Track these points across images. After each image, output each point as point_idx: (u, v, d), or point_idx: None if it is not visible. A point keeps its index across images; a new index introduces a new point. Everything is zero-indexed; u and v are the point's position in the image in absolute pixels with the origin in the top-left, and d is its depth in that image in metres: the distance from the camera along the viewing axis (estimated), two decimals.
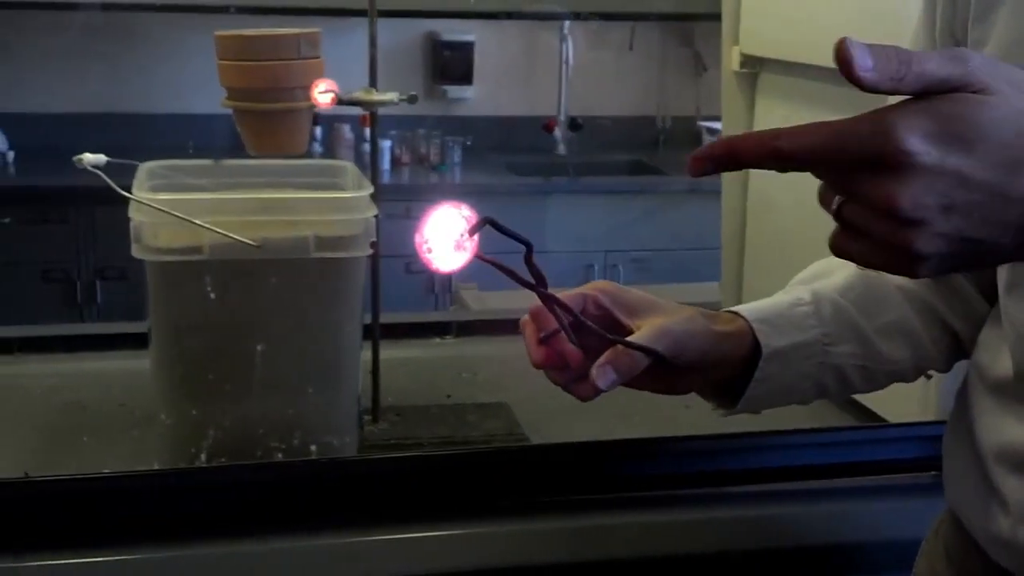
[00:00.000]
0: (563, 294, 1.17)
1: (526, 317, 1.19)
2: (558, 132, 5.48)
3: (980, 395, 1.18)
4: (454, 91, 5.41)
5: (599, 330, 1.16)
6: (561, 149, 5.51)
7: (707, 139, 5.28)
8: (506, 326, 2.39)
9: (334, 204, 1.78)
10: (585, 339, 1.17)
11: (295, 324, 1.74)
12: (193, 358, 1.72)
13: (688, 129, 5.60)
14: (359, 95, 1.84)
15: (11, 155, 4.95)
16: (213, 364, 1.72)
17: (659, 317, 1.19)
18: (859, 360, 1.27)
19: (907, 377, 1.33)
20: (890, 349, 1.28)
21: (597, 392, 1.17)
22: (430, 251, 1.05)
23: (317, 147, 5.01)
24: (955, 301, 1.30)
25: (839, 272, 1.31)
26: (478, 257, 1.05)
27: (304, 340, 1.75)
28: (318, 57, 1.87)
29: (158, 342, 1.74)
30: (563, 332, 1.16)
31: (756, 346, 1.23)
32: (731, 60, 2.45)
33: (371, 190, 1.77)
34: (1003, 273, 1.13)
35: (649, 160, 5.55)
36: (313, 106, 1.83)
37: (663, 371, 1.18)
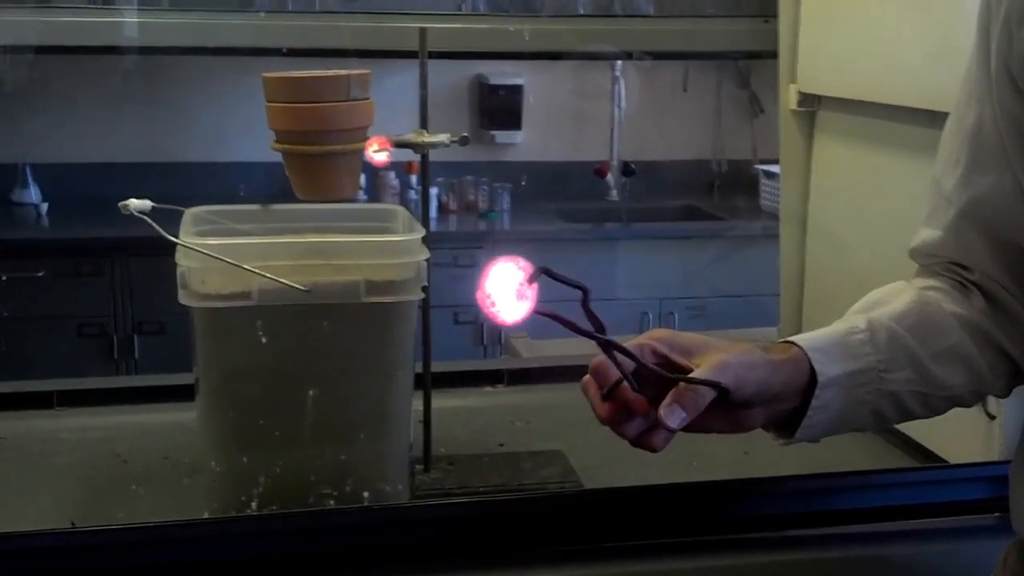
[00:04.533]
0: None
1: (588, 377, 1.24)
2: (611, 177, 5.54)
3: None
4: (503, 136, 5.49)
5: (660, 371, 1.21)
6: (614, 195, 5.57)
7: (764, 182, 5.32)
8: (559, 373, 2.44)
9: (385, 247, 1.83)
10: (647, 388, 1.22)
11: (346, 369, 1.79)
12: (243, 404, 1.78)
13: (745, 172, 5.65)
14: (410, 137, 1.89)
15: (44, 207, 5.04)
16: (264, 410, 1.77)
17: (716, 353, 1.24)
18: (915, 386, 1.32)
19: (965, 402, 1.38)
20: (946, 374, 1.33)
21: (668, 438, 1.23)
22: (494, 305, 1.11)
23: (362, 195, 5.07)
24: (1012, 328, 1.35)
25: (895, 300, 1.36)
26: (537, 312, 1.11)
27: (355, 386, 1.80)
28: (368, 98, 1.92)
29: (207, 389, 1.80)
30: (625, 382, 1.21)
31: (812, 375, 1.27)
32: (788, 98, 2.50)
33: (423, 233, 1.83)
34: None
35: (705, 205, 5.60)
36: (363, 148, 1.89)
37: (726, 407, 1.23)
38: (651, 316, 4.98)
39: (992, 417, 1.83)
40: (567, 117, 5.58)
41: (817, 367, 1.27)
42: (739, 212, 5.39)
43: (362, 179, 5.03)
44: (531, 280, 1.12)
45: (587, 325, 1.16)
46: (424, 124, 1.94)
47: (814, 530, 1.69)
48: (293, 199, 2.00)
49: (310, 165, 1.91)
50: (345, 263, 1.77)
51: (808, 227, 2.54)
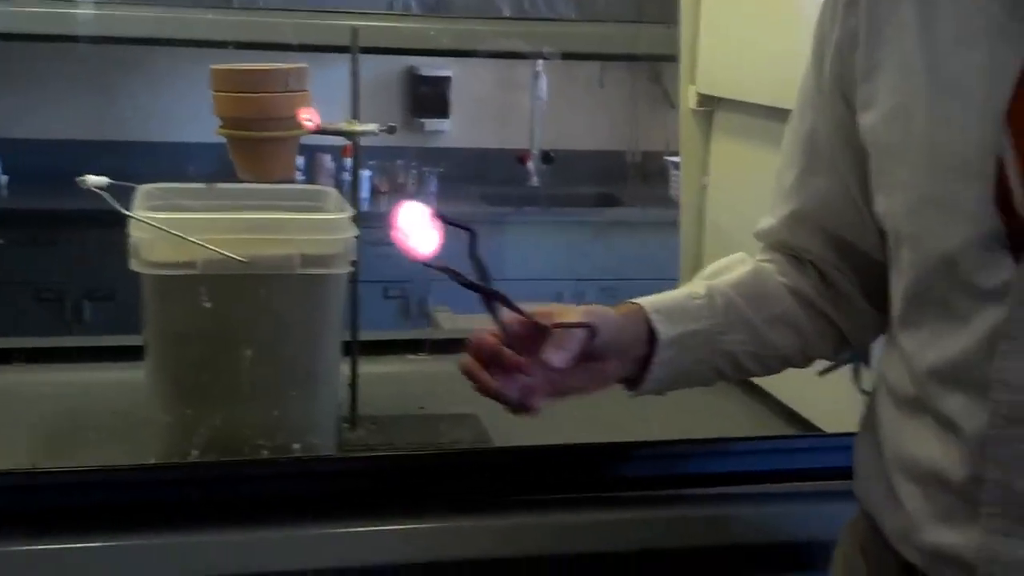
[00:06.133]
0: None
1: (467, 360, 1.30)
2: (531, 164, 5.54)
3: (885, 406, 1.29)
4: (431, 124, 5.53)
5: (537, 319, 1.28)
6: (534, 181, 5.56)
7: (672, 173, 5.36)
8: None
9: (318, 224, 1.91)
10: (519, 350, 1.28)
11: (280, 334, 1.87)
12: (187, 363, 1.85)
13: (657, 163, 5.65)
14: (342, 125, 1.96)
15: (4, 179, 5.01)
16: (205, 369, 1.84)
17: (572, 311, 1.32)
18: (749, 347, 1.40)
19: (796, 362, 1.45)
20: (777, 337, 1.40)
21: (542, 397, 1.30)
22: (408, 239, 1.17)
23: (300, 176, 5.05)
24: (841, 304, 1.41)
25: (734, 270, 1.43)
26: (429, 265, 1.18)
27: (288, 349, 1.88)
28: (305, 90, 1.99)
29: (155, 349, 1.86)
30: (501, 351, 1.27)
31: (652, 333, 1.35)
32: (688, 98, 2.56)
33: (352, 212, 1.90)
34: (896, 304, 1.24)
35: (619, 193, 5.64)
36: (299, 135, 1.95)
37: (586, 362, 1.30)
38: (565, 296, 5.02)
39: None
40: (492, 107, 5.61)
41: (657, 327, 1.35)
42: (650, 200, 5.40)
43: (300, 161, 5.05)
44: (435, 216, 1.18)
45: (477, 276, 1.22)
46: (355, 114, 2.00)
47: (699, 489, 1.75)
48: (236, 178, 2.05)
49: (251, 149, 1.97)
50: (282, 238, 1.84)
51: (705, 219, 2.60)
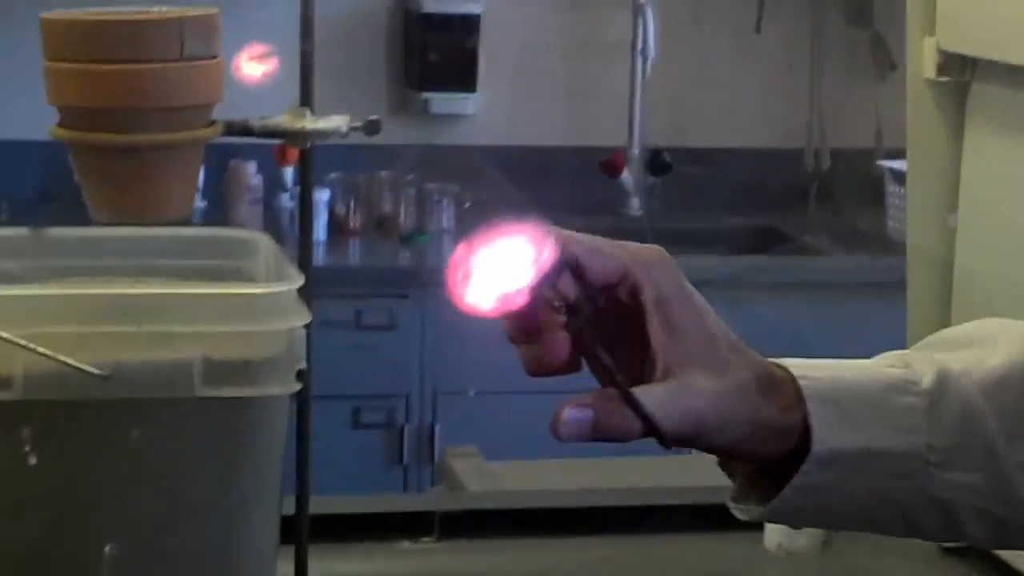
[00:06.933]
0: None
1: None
2: (629, 176, 5.60)
3: None
4: (444, 103, 5.56)
5: (610, 363, 1.27)
6: (635, 206, 5.62)
7: (892, 191, 5.36)
8: (526, 521, 2.50)
9: (235, 305, 1.90)
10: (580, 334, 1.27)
11: (168, 510, 1.86)
12: None
13: (861, 172, 5.68)
14: (283, 121, 1.96)
15: None
16: (31, 574, 1.84)
17: (700, 374, 1.28)
18: (983, 501, 1.35)
19: None
20: None
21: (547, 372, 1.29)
22: (465, 278, 1.19)
23: (199, 202, 5.02)
24: None
25: (998, 348, 1.38)
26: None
27: (182, 538, 1.88)
28: (215, 57, 1.96)
29: None
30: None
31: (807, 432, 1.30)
32: (922, 60, 2.57)
33: (300, 281, 1.90)
34: None
35: (792, 227, 5.69)
36: (207, 139, 1.94)
37: None
38: None
39: None
40: (556, 73, 5.65)
41: (816, 430, 1.30)
42: (849, 239, 5.42)
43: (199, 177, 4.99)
44: (539, 282, 1.20)
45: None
46: (307, 97, 2.00)
47: None
48: (87, 216, 2.06)
49: (117, 167, 1.96)
50: (169, 330, 1.84)
51: (955, 273, 2.60)
